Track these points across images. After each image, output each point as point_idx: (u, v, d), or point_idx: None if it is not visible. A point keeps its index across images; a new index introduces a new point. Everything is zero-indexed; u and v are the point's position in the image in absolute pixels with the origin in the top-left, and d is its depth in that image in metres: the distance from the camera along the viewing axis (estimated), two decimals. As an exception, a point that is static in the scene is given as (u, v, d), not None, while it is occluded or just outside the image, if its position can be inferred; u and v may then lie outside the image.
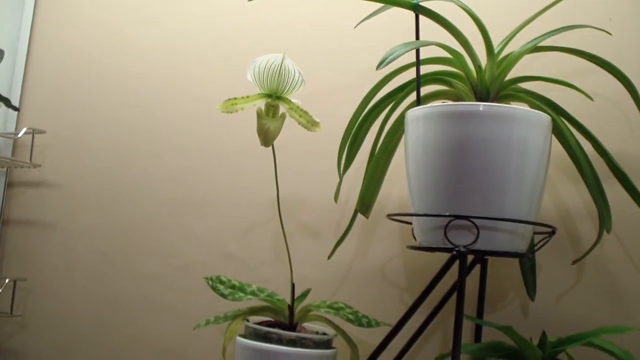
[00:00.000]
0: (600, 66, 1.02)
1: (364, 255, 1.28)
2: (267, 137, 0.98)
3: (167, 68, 1.51)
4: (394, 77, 1.12)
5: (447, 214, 0.94)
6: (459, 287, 0.94)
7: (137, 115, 1.53)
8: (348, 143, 1.13)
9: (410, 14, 1.04)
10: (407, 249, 1.04)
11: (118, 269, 1.50)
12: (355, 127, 1.12)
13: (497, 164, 0.94)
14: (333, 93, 1.34)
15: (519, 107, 0.98)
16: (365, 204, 1.10)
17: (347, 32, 1.32)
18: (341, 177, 1.14)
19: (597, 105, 1.10)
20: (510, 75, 1.03)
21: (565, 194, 1.17)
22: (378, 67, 0.88)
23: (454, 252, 0.94)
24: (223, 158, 1.42)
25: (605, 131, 1.09)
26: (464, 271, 0.95)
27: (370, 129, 1.13)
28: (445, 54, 1.04)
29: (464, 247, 0.94)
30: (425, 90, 1.07)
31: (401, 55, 0.90)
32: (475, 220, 0.93)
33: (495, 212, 0.94)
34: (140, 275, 1.47)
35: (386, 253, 1.27)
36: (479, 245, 0.94)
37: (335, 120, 1.16)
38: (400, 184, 1.20)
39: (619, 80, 1.02)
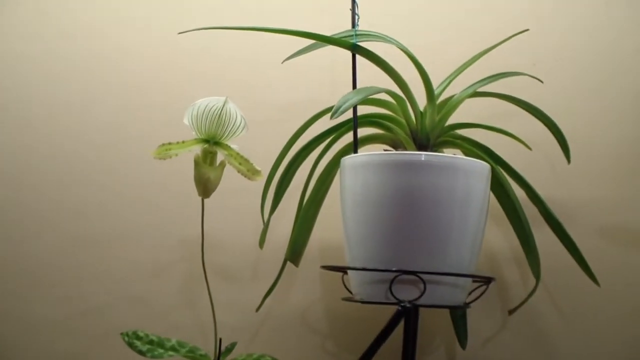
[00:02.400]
0: (531, 113, 1.01)
1: (283, 300, 1.21)
2: (207, 188, 0.90)
3: (74, 96, 1.37)
4: (323, 115, 1.07)
5: (392, 268, 0.90)
6: (404, 341, 0.91)
7: (38, 143, 1.38)
8: (275, 185, 1.07)
9: (333, 49, 1.00)
10: (332, 295, 1.00)
11: (6, 314, 1.34)
12: (284, 169, 1.06)
13: (441, 215, 0.91)
14: (250, 127, 1.27)
15: (461, 157, 0.96)
16: (296, 252, 1.04)
17: (267, 64, 1.26)
18: (267, 222, 1.08)
19: (522, 149, 1.10)
20: (448, 120, 1.01)
21: (491, 238, 1.16)
22: (332, 116, 0.82)
23: (400, 308, 0.90)
24: (130, 191, 1.31)
25: (530, 176, 1.09)
26: (411, 326, 0.91)
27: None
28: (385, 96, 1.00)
29: (410, 302, 0.90)
30: (359, 132, 1.02)
31: (355, 104, 0.85)
32: (422, 275, 0.90)
33: (438, 264, 0.91)
34: (32, 321, 1.32)
35: (307, 297, 1.21)
36: (422, 300, 0.91)
37: (252, 156, 1.09)
38: (320, 226, 1.14)
39: (547, 126, 1.02)
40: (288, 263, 1.07)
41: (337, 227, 1.02)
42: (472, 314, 1.13)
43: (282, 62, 1.00)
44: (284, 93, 1.26)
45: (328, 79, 1.25)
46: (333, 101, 1.12)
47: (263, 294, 1.12)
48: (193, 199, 1.01)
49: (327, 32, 1.01)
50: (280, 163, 1.08)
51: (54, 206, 1.31)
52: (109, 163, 1.30)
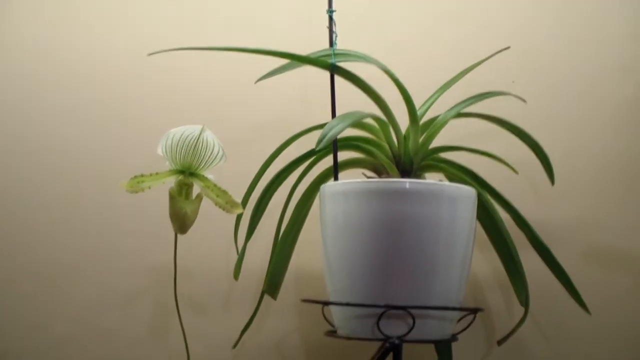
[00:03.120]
0: (516, 134, 0.98)
1: (258, 331, 1.16)
2: (184, 224, 0.84)
3: (42, 117, 1.29)
4: (299, 137, 1.02)
5: (378, 301, 0.86)
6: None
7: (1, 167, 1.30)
8: (251, 212, 1.01)
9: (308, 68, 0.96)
10: (310, 327, 0.95)
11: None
12: (259, 195, 1.01)
13: (427, 245, 0.87)
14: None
15: (447, 184, 0.92)
16: (273, 285, 0.98)
17: (240, 83, 1.21)
18: (242, 251, 1.02)
19: (504, 168, 1.07)
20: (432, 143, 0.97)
21: (473, 264, 1.12)
22: (317, 146, 0.77)
23: (388, 345, 0.85)
24: (95, 215, 1.23)
25: (513, 197, 1.06)
26: (399, 363, 0.86)
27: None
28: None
29: (398, 338, 0.85)
30: (338, 156, 0.98)
31: (341, 132, 0.80)
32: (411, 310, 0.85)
33: (426, 296, 0.87)
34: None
35: (284, 328, 1.16)
36: (411, 335, 0.86)
37: (222, 177, 1.03)
38: (298, 251, 1.09)
39: (531, 148, 0.98)
40: (265, 295, 1.01)
41: (316, 251, 0.97)
42: (457, 343, 1.09)
43: (255, 83, 0.95)
44: (256, 112, 1.21)
45: (301, 96, 1.20)
46: (307, 120, 1.08)
47: (237, 324, 1.06)
48: (163, 223, 0.95)
49: (302, 49, 0.96)
50: (255, 187, 1.02)
51: (17, 232, 1.23)
52: (74, 186, 1.23)
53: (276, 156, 1.02)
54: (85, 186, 1.22)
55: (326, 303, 0.93)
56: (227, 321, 1.16)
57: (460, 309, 0.91)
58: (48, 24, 1.26)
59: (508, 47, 1.07)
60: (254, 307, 1.04)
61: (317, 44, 1.00)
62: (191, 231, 1.01)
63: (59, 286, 1.22)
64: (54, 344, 1.21)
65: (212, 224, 1.11)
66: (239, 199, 0.99)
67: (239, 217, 1.03)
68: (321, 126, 0.99)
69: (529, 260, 1.00)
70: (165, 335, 1.17)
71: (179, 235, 0.89)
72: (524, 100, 1.05)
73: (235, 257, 1.04)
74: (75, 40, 1.26)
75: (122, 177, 0.97)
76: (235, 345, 1.05)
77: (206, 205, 0.92)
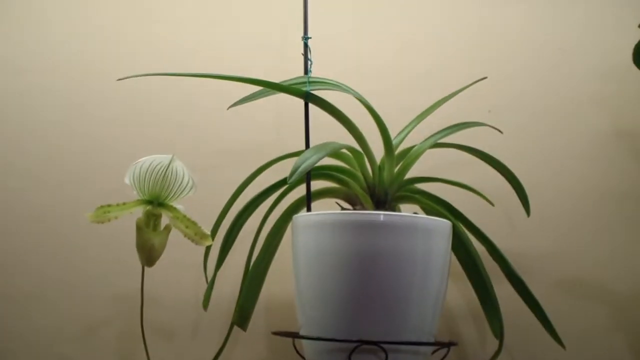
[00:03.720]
0: (493, 166, 0.97)
1: (227, 360, 1.13)
2: (151, 256, 0.82)
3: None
4: (271, 165, 1.00)
5: (350, 335, 0.84)
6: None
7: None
8: (221, 241, 0.99)
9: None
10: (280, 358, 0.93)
11: None
12: (230, 224, 0.98)
13: (401, 278, 0.85)
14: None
15: (422, 216, 0.90)
16: (243, 316, 0.96)
17: (210, 108, 1.19)
18: (211, 281, 0.99)
19: (480, 200, 1.05)
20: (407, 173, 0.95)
21: (449, 295, 1.10)
22: (289, 179, 0.75)
23: (360, 381, 0.83)
24: (58, 239, 1.20)
25: (488, 228, 1.04)
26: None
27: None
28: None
29: (370, 374, 0.83)
30: (312, 185, 0.96)
31: (315, 164, 0.78)
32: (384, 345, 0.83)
33: (399, 330, 0.85)
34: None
35: (253, 357, 1.13)
36: (384, 370, 0.84)
37: (192, 204, 1.00)
38: (269, 279, 1.07)
39: (508, 180, 0.98)
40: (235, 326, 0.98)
41: (289, 281, 0.95)
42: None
43: (227, 109, 0.93)
44: (228, 137, 1.19)
45: (275, 122, 1.18)
46: (279, 145, 1.06)
47: (206, 355, 1.03)
48: (129, 249, 0.92)
49: (277, 76, 0.95)
50: (225, 215, 1.00)
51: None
52: (39, 210, 1.20)
53: (248, 184, 1.00)
54: (51, 210, 1.19)
55: (297, 337, 0.90)
56: (196, 351, 1.13)
57: (434, 344, 0.89)
58: (17, 43, 1.23)
59: (485, 78, 1.06)
60: (224, 337, 1.01)
61: (292, 70, 0.99)
62: (161, 259, 0.99)
63: (18, 313, 1.18)
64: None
65: (183, 252, 1.07)
66: (209, 228, 0.97)
67: (209, 246, 1.01)
68: (295, 154, 0.98)
69: (505, 291, 0.98)
70: (131, 364, 1.14)
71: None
72: (500, 132, 1.04)
73: (205, 286, 1.01)
74: (43, 59, 1.23)
75: (90, 202, 0.95)
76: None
77: (176, 232, 0.90)
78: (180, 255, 1.11)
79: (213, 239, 1.00)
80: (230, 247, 1.00)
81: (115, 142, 1.19)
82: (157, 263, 1.00)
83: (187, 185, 0.83)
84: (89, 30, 1.23)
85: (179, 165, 0.82)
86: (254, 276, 0.97)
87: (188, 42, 1.22)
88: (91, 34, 1.23)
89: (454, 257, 0.98)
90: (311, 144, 0.94)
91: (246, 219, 0.99)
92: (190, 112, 1.20)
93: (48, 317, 1.18)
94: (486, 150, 0.98)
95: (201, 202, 1.03)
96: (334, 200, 0.98)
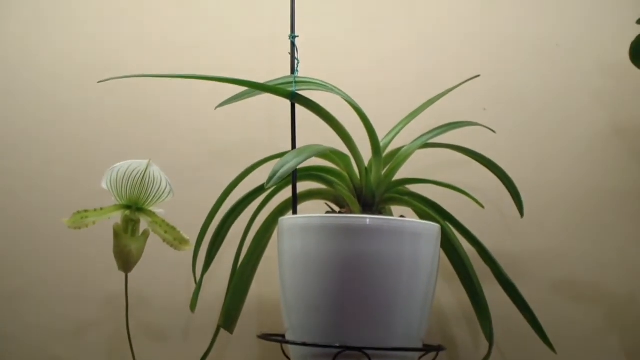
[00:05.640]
0: (485, 165, 0.96)
1: (217, 362, 1.12)
2: (128, 262, 0.81)
3: None
4: (259, 166, 0.99)
5: (334, 341, 0.83)
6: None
7: None
8: (209, 243, 0.98)
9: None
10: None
11: None
12: (217, 225, 0.97)
13: (387, 283, 0.84)
14: (180, 173, 1.17)
15: (409, 220, 0.89)
16: (230, 319, 0.95)
17: (200, 107, 1.17)
18: (199, 283, 0.98)
19: (471, 201, 1.04)
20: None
21: (440, 296, 1.09)
22: (266, 184, 0.74)
23: (344, 387, 0.82)
24: (47, 239, 1.19)
25: (479, 228, 1.03)
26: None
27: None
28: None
29: (355, 379, 0.82)
30: (298, 186, 0.94)
31: (295, 168, 0.77)
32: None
33: (385, 335, 0.84)
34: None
35: (241, 359, 1.12)
36: (369, 376, 0.83)
37: (181, 204, 0.99)
38: (257, 280, 1.05)
39: (500, 179, 0.96)
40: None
41: (276, 282, 0.94)
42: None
43: (215, 109, 0.92)
44: (216, 137, 1.17)
45: (265, 121, 1.17)
46: (270, 144, 1.05)
47: (196, 356, 1.02)
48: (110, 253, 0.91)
49: (265, 74, 0.93)
50: (214, 216, 0.99)
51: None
52: (26, 209, 1.19)
53: (236, 185, 0.99)
54: (38, 210, 1.18)
55: (280, 341, 0.90)
56: (186, 352, 1.12)
57: (421, 350, 0.88)
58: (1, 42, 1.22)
59: (478, 76, 1.04)
60: (211, 336, 1.00)
61: (280, 69, 0.98)
62: (151, 258, 0.98)
63: (6, 314, 1.18)
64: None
65: (175, 252, 1.07)
66: (198, 228, 0.96)
67: (197, 248, 0.99)
68: (284, 154, 0.96)
69: (496, 293, 0.97)
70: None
71: (139, 266, 0.86)
72: (493, 131, 1.03)
73: (185, 284, 1.01)
74: (29, 59, 1.22)
75: (79, 202, 0.94)
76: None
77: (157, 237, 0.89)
78: (173, 256, 1.10)
79: (202, 240, 0.99)
80: (218, 249, 0.99)
81: (104, 142, 1.18)
82: (150, 263, 1.00)
83: (164, 189, 0.82)
84: (75, 29, 1.22)
85: (156, 170, 0.81)
86: (241, 278, 0.95)
87: (178, 41, 1.20)
88: (78, 32, 1.22)
89: (447, 259, 0.97)
90: (300, 145, 0.92)
91: (234, 220, 0.98)
92: (179, 112, 1.19)
93: (38, 317, 1.17)
94: (481, 149, 0.96)
95: (191, 202, 1.02)
96: (322, 201, 0.97)
